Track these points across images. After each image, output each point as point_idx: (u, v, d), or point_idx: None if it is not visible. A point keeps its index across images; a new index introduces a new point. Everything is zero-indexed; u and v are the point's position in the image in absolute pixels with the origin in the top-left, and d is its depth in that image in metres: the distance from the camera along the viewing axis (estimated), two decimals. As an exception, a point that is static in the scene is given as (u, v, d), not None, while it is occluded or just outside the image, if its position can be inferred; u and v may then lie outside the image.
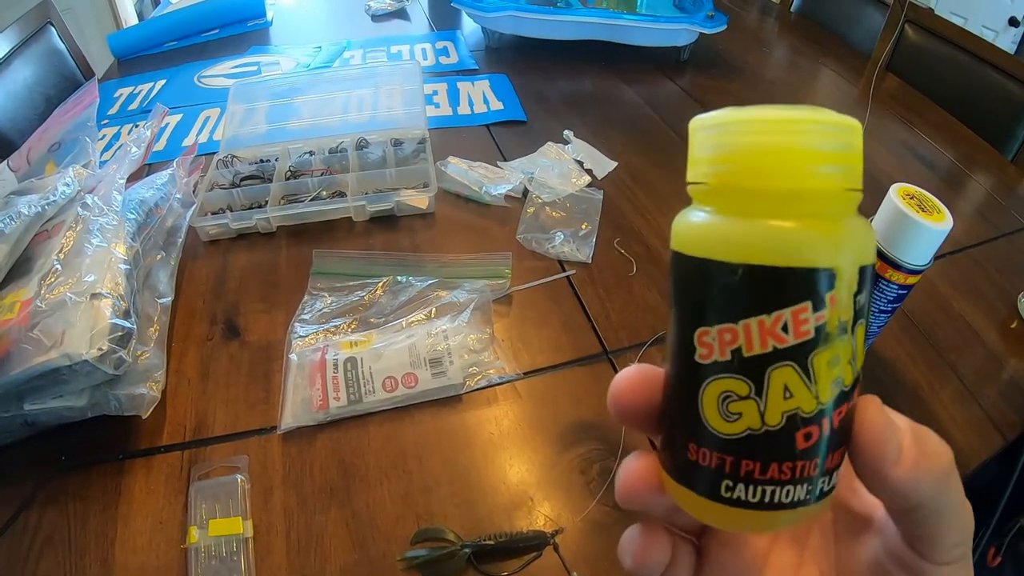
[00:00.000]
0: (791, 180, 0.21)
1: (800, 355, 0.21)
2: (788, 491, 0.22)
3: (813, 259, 0.21)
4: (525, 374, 0.73)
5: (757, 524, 0.23)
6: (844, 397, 0.22)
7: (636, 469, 0.26)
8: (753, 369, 0.22)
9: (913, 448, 0.21)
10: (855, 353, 0.22)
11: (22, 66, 1.38)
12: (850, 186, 0.22)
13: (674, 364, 0.24)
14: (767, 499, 0.22)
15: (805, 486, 0.22)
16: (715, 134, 0.22)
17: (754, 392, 0.22)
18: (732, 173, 0.22)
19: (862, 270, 0.21)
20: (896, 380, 0.74)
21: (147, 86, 1.36)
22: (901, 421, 0.22)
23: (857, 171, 0.22)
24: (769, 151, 0.21)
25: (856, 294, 0.21)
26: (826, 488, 0.23)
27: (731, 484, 0.23)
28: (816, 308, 0.21)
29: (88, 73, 1.55)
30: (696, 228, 0.23)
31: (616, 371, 0.72)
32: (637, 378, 0.26)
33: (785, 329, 0.21)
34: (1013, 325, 0.83)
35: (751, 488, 0.23)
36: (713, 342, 0.22)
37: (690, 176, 0.23)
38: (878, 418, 0.22)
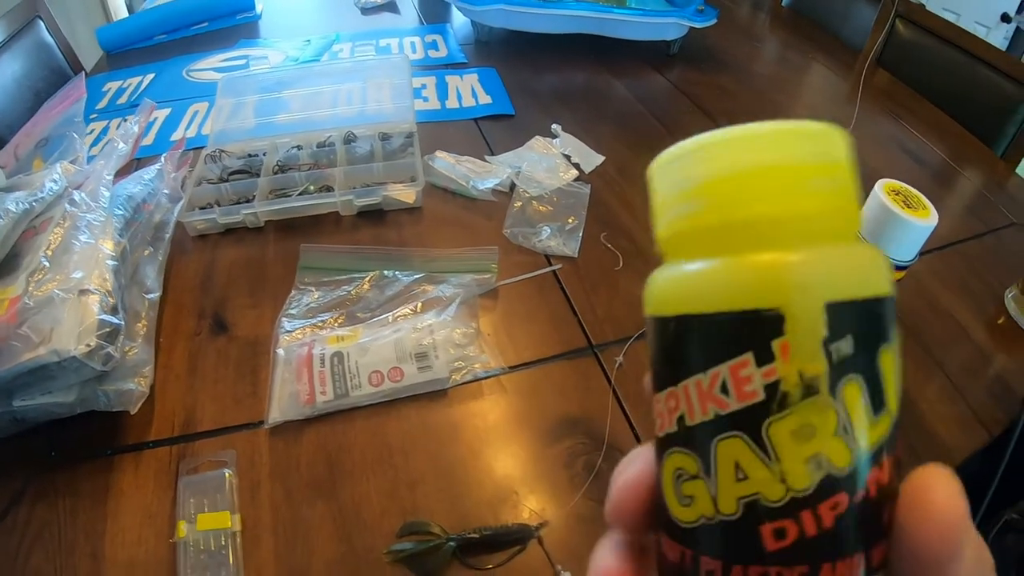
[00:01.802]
0: (724, 209, 0.18)
1: (749, 423, 0.17)
2: None
3: (744, 299, 0.17)
4: (511, 368, 0.73)
5: None
6: (837, 485, 0.17)
7: (606, 564, 0.22)
8: (698, 441, 0.18)
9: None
10: (849, 425, 0.17)
11: (10, 60, 1.37)
12: (817, 205, 0.17)
13: None
14: None
15: None
16: (660, 179, 0.20)
17: (703, 470, 0.18)
18: (669, 222, 0.19)
19: (835, 308, 0.16)
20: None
21: (136, 80, 1.35)
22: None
23: (829, 186, 0.18)
24: (708, 183, 0.18)
25: (829, 341, 0.16)
26: None
27: None
28: (761, 361, 0.17)
29: (76, 66, 1.54)
30: (650, 286, 0.20)
31: (602, 366, 0.73)
32: (643, 480, 0.21)
33: (724, 390, 0.17)
34: (1000, 321, 0.83)
35: None
36: (664, 410, 0.19)
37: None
38: (948, 516, 0.16)
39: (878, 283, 0.17)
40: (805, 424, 0.16)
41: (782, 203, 0.17)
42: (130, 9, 2.81)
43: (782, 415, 0.16)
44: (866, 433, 0.17)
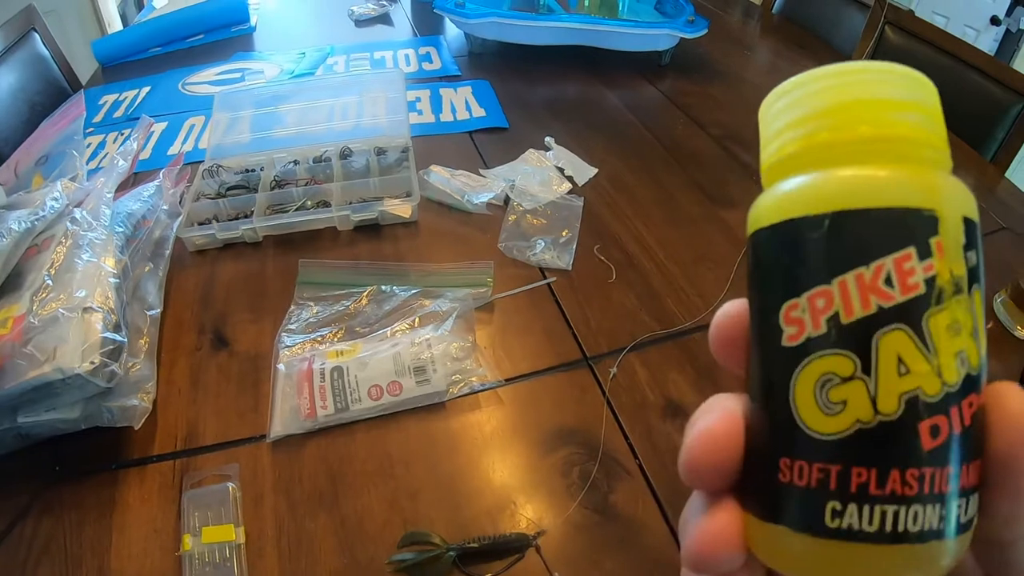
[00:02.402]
0: (876, 127, 0.19)
1: (913, 315, 0.18)
2: (916, 514, 0.17)
3: (908, 198, 0.18)
4: (507, 381, 0.75)
5: (873, 568, 0.18)
6: (972, 384, 0.18)
7: (713, 525, 0.20)
8: (856, 338, 0.18)
9: None
10: (977, 327, 0.19)
11: (6, 72, 1.38)
12: (936, 139, 0.20)
13: (757, 367, 0.20)
14: (888, 526, 0.17)
15: (938, 508, 0.17)
16: (786, 102, 0.21)
17: (860, 369, 0.18)
18: (808, 135, 0.20)
19: (967, 221, 0.19)
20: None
21: (132, 93, 1.37)
22: None
23: (941, 126, 0.20)
24: (849, 102, 0.20)
25: (965, 248, 0.18)
26: (964, 517, 0.18)
27: (839, 506, 0.18)
28: (922, 256, 0.18)
29: (72, 79, 1.55)
30: (772, 198, 0.20)
31: (596, 377, 0.75)
32: (720, 429, 0.20)
33: (889, 282, 0.18)
34: (989, 326, 0.84)
35: (866, 510, 0.18)
36: (803, 315, 0.19)
37: (764, 156, 0.22)
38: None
39: (976, 211, 0.19)
40: (955, 320, 0.18)
41: (922, 131, 0.20)
42: (125, 21, 2.81)
43: (940, 308, 0.18)
44: (984, 340, 0.19)
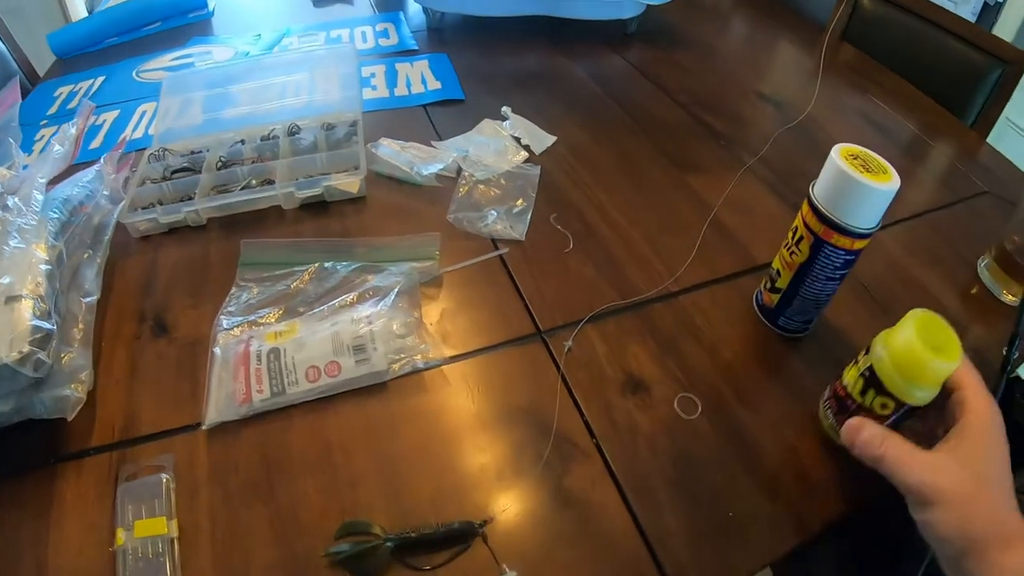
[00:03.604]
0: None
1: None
2: None
3: None
4: (453, 358, 0.71)
5: None
6: None
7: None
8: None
9: None
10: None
11: (-39, 69, 1.35)
12: None
13: None
14: None
15: None
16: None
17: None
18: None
19: None
20: (849, 352, 0.65)
21: (86, 84, 1.32)
22: None
23: None
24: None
25: None
26: None
27: None
28: None
29: (31, 74, 1.52)
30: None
31: (550, 352, 0.72)
32: None
33: None
34: (973, 291, 0.82)
35: None
36: None
37: None
38: None
39: None
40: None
41: None
42: (91, 13, 2.77)
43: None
44: None
